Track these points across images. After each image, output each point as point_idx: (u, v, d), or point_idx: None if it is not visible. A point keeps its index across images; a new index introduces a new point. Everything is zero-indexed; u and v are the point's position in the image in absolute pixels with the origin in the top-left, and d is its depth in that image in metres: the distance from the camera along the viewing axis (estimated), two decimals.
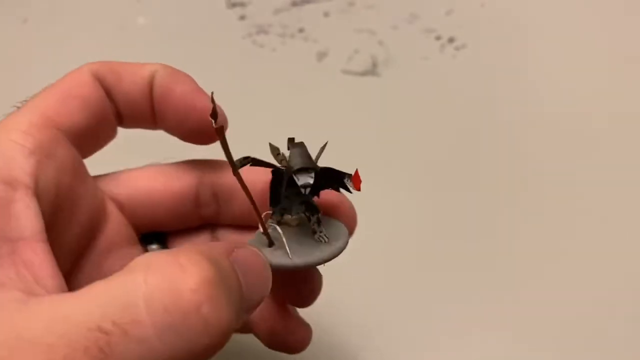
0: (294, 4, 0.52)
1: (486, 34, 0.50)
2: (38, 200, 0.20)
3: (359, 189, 0.22)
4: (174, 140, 0.26)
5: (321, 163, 0.23)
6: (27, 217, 0.19)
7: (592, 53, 0.48)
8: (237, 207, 0.26)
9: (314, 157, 0.23)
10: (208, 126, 0.22)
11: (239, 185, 0.22)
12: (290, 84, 0.47)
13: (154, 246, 0.27)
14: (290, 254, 0.22)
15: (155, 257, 0.18)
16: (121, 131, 0.26)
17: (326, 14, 0.52)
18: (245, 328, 0.27)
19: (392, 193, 0.41)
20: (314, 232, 0.23)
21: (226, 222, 0.27)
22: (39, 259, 0.19)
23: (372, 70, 0.48)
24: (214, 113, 0.19)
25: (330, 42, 0.50)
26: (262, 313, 0.26)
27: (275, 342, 0.27)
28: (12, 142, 0.20)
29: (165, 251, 0.18)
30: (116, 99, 0.24)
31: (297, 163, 0.22)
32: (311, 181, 0.22)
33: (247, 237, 0.26)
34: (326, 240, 0.23)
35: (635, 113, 0.44)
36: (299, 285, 0.26)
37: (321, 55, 0.49)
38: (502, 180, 0.42)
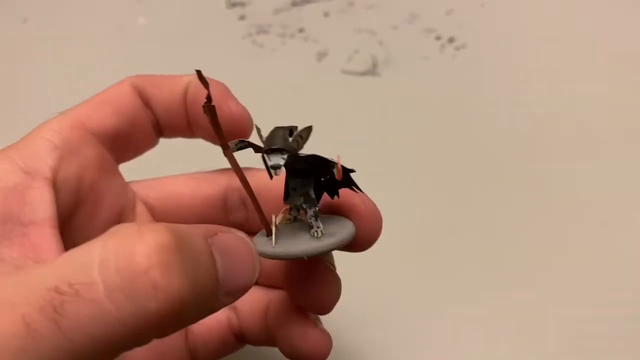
0: (294, 4, 0.52)
1: (486, 34, 0.50)
2: (57, 191, 0.21)
3: (340, 178, 0.22)
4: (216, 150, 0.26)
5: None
6: (40, 204, 0.21)
7: (592, 53, 0.48)
8: (267, 210, 0.26)
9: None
10: (234, 127, 0.24)
11: (264, 188, 0.23)
12: (290, 84, 0.47)
13: None
14: (277, 244, 0.22)
15: (122, 226, 0.18)
16: (168, 142, 0.27)
17: (326, 14, 0.52)
18: (269, 341, 0.27)
19: (392, 193, 0.41)
20: (310, 227, 0.23)
21: (256, 229, 0.27)
22: (46, 243, 0.20)
23: (372, 70, 0.48)
24: (207, 93, 0.19)
25: (330, 42, 0.50)
26: (281, 319, 0.26)
27: (293, 350, 0.26)
28: (42, 138, 0.22)
29: (134, 222, 0.19)
30: (154, 109, 0.26)
31: (269, 144, 0.21)
32: (282, 162, 0.21)
33: None
34: (319, 235, 0.23)
35: (636, 114, 0.44)
36: (315, 290, 0.25)
37: (321, 55, 0.49)
38: (502, 180, 0.42)
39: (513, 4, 0.52)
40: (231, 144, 0.21)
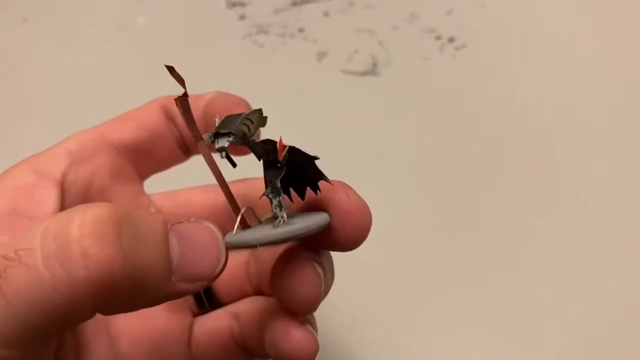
0: (294, 4, 0.52)
1: (486, 34, 0.50)
2: (64, 191, 0.23)
3: (280, 159, 0.22)
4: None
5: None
6: (46, 201, 0.23)
7: (592, 53, 0.48)
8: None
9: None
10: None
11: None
12: (290, 84, 0.47)
13: None
14: (240, 234, 0.22)
15: (84, 204, 0.19)
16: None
17: (326, 14, 0.52)
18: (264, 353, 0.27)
19: (392, 193, 0.41)
20: (275, 217, 0.22)
21: None
22: None
23: (372, 70, 0.48)
24: (179, 80, 0.20)
25: (330, 42, 0.50)
26: (269, 322, 0.26)
27: (277, 351, 0.26)
28: (63, 146, 0.25)
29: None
30: (178, 125, 0.27)
31: (217, 128, 0.21)
32: (226, 144, 0.21)
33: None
34: (280, 224, 0.22)
35: (636, 113, 0.44)
36: (295, 285, 0.25)
37: (321, 55, 0.49)
38: (502, 180, 0.42)
39: (513, 4, 0.52)
40: (205, 136, 0.21)
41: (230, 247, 0.22)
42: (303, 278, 0.24)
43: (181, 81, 0.20)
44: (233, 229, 0.22)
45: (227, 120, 0.21)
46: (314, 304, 0.24)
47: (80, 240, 0.18)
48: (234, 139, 0.21)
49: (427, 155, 0.43)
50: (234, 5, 0.53)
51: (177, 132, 0.28)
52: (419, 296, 0.37)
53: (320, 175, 0.23)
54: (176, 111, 0.25)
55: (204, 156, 0.22)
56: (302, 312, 0.25)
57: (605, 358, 0.35)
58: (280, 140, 0.22)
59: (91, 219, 0.18)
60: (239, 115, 0.21)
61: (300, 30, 0.51)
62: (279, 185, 0.22)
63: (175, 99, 0.21)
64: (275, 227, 0.22)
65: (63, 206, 0.23)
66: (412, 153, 0.43)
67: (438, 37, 0.50)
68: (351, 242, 0.23)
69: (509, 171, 0.42)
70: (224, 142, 0.21)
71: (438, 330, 0.36)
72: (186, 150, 0.29)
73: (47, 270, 0.18)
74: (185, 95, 0.21)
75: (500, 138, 0.44)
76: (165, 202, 0.29)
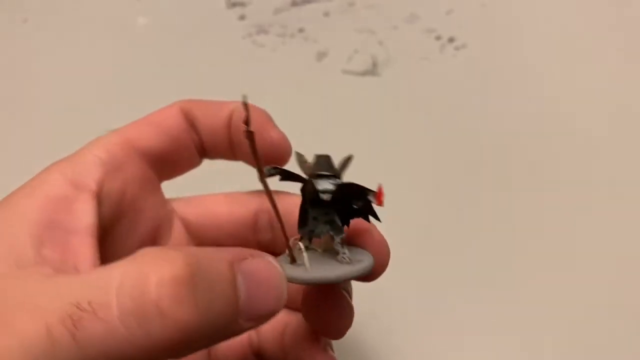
0: (294, 4, 0.53)
1: (486, 34, 0.50)
2: (100, 203, 0.23)
3: (381, 204, 0.23)
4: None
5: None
6: (83, 214, 0.23)
7: (591, 52, 0.48)
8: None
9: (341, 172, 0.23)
10: (274, 153, 0.26)
11: (290, 213, 0.24)
12: (290, 84, 0.47)
13: None
14: (307, 270, 0.23)
15: (145, 250, 0.19)
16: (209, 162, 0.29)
17: (326, 14, 0.52)
18: None
19: (391, 193, 0.41)
20: (337, 253, 0.23)
21: (282, 251, 0.29)
22: (83, 249, 0.22)
23: (372, 70, 0.48)
24: (247, 119, 0.20)
25: (330, 42, 0.50)
26: (294, 341, 0.27)
27: None
28: (92, 154, 0.24)
29: (158, 247, 0.20)
30: (200, 131, 0.27)
31: (317, 170, 0.22)
32: (330, 187, 0.22)
33: None
34: (347, 260, 0.23)
35: (636, 112, 0.44)
36: (330, 315, 0.26)
37: (321, 55, 0.49)
38: (502, 180, 0.42)
39: (513, 4, 0.52)
40: (265, 169, 0.22)
41: (306, 284, 0.23)
42: (338, 309, 0.26)
43: (248, 112, 0.21)
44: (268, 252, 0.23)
45: (321, 161, 0.22)
46: (345, 332, 0.26)
47: (158, 301, 0.18)
48: (335, 181, 0.22)
49: (426, 155, 0.43)
50: (234, 5, 0.53)
51: (197, 137, 0.28)
52: (419, 295, 0.37)
53: (370, 210, 0.24)
54: (197, 116, 0.27)
55: (264, 189, 0.22)
56: (333, 338, 0.27)
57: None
58: (381, 188, 0.23)
59: (168, 280, 0.18)
60: (325, 156, 0.23)
61: (300, 30, 0.51)
62: (339, 223, 0.24)
63: (244, 132, 0.21)
64: (349, 263, 0.23)
65: (99, 218, 0.23)
66: (412, 153, 0.43)
67: (438, 37, 0.50)
68: (375, 275, 0.25)
69: (509, 171, 0.42)
70: (326, 185, 0.22)
71: (444, 332, 0.36)
72: (203, 156, 0.29)
73: (123, 325, 0.18)
74: (248, 125, 0.21)
75: (500, 138, 0.44)
76: (187, 210, 0.29)
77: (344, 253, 0.23)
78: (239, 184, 0.29)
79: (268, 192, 0.22)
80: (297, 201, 0.24)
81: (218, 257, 0.20)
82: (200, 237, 0.29)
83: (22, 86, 0.48)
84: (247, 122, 0.20)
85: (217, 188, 0.29)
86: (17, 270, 0.20)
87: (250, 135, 0.21)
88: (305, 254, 0.23)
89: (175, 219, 0.28)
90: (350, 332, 0.26)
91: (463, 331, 0.36)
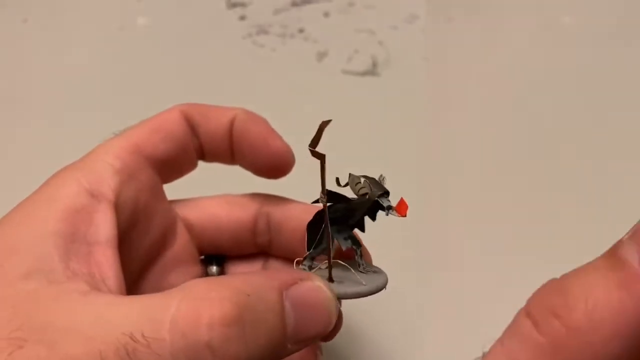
0: (294, 4, 0.53)
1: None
2: (116, 213, 0.24)
3: (404, 215, 0.23)
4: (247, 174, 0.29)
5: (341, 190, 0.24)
6: (104, 225, 0.23)
7: (591, 51, 0.48)
8: (285, 239, 0.28)
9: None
10: (278, 163, 0.27)
11: (287, 218, 0.27)
12: (290, 84, 0.47)
13: (213, 267, 0.30)
14: (342, 285, 0.23)
15: (196, 285, 0.20)
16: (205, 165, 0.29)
17: (326, 14, 0.52)
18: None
19: (391, 193, 0.41)
20: (359, 265, 0.24)
21: (277, 253, 0.30)
22: (107, 262, 0.22)
23: (372, 70, 0.48)
24: (317, 140, 0.22)
25: (330, 42, 0.50)
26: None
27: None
28: (105, 162, 0.24)
29: (209, 280, 0.21)
30: (200, 136, 0.28)
31: (382, 189, 0.24)
32: (393, 204, 0.23)
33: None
34: (367, 272, 0.24)
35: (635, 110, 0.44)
36: None
37: (321, 55, 0.49)
38: (502, 179, 0.42)
39: (511, 5, 0.52)
40: (321, 195, 0.23)
41: (364, 295, 0.24)
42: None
43: (321, 157, 0.22)
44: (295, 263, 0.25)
45: (375, 181, 0.24)
46: (336, 333, 0.26)
47: (210, 341, 0.19)
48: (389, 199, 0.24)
49: (426, 155, 0.43)
50: (234, 5, 0.53)
51: (197, 141, 0.28)
52: (419, 295, 0.37)
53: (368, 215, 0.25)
54: (198, 121, 0.27)
55: (324, 209, 0.23)
56: (324, 340, 0.27)
57: None
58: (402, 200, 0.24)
59: (219, 319, 0.19)
60: (367, 176, 0.24)
61: (300, 30, 0.51)
62: (357, 237, 0.25)
63: (316, 154, 0.22)
64: (376, 272, 0.25)
65: (117, 227, 0.24)
66: (412, 153, 0.43)
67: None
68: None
69: (509, 171, 0.42)
70: (389, 202, 0.24)
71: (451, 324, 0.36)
72: (201, 159, 0.29)
73: None
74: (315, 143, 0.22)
75: (500, 137, 0.44)
76: (189, 213, 0.29)
77: (364, 265, 0.25)
78: (230, 184, 0.29)
79: (325, 215, 0.23)
80: (295, 206, 0.24)
81: (268, 286, 0.21)
82: (201, 238, 0.29)
83: (22, 86, 0.48)
84: (315, 144, 0.21)
85: (212, 189, 0.30)
86: (49, 286, 0.20)
87: (322, 157, 0.22)
88: (351, 269, 0.24)
89: (179, 222, 0.29)
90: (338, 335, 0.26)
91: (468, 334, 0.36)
